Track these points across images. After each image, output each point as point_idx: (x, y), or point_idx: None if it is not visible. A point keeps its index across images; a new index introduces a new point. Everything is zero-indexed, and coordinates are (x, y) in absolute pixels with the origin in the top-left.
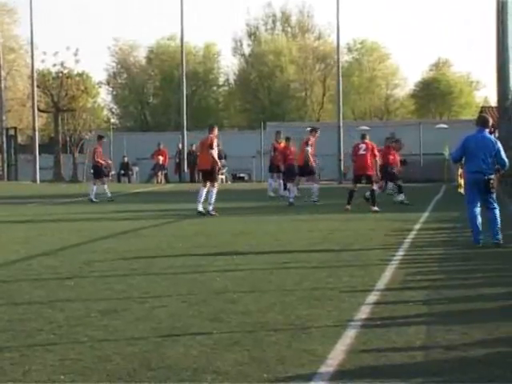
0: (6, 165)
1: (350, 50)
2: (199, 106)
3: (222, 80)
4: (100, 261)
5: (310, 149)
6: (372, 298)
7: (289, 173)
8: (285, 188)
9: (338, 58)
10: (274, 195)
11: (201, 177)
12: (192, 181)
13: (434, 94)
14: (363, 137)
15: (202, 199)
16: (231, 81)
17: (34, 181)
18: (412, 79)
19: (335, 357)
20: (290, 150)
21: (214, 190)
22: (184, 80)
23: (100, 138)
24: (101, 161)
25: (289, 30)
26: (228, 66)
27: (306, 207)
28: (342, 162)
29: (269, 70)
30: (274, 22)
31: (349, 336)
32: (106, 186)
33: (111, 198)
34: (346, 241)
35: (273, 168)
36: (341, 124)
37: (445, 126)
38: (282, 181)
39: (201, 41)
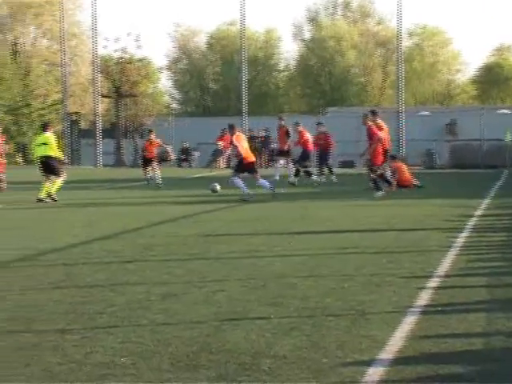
0: (69, 150)
1: (410, 35)
2: (259, 91)
3: (282, 65)
4: (160, 245)
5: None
6: (432, 283)
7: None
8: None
9: (400, 44)
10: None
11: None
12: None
13: (496, 79)
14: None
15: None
16: (291, 66)
17: (96, 165)
18: (474, 64)
19: (395, 343)
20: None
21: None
22: (245, 65)
23: (150, 131)
24: (148, 153)
25: (349, 15)
26: (288, 51)
27: (363, 193)
28: (403, 148)
29: (329, 56)
30: (334, 7)
31: (408, 322)
32: (158, 173)
33: (159, 185)
34: (405, 226)
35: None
36: (402, 109)
37: (507, 111)
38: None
39: (261, 26)
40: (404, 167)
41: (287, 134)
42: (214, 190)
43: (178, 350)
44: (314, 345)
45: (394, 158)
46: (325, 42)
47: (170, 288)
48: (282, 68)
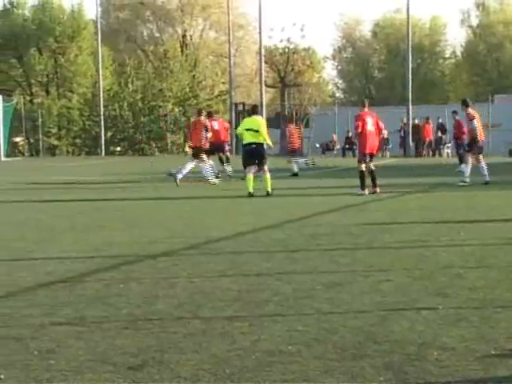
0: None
1: None
2: (425, 79)
3: (448, 52)
4: (325, 234)
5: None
6: None
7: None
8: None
9: None
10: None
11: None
12: (418, 155)
13: None
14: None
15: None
16: (458, 53)
17: None
18: None
19: None
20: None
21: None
22: (410, 53)
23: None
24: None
25: None
26: (455, 38)
27: None
28: None
29: (497, 42)
30: None
31: None
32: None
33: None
34: None
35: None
36: None
37: None
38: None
39: (427, 13)
40: None
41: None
42: (170, 174)
43: (343, 338)
44: (483, 336)
45: None
46: (493, 28)
47: (335, 277)
48: (448, 55)
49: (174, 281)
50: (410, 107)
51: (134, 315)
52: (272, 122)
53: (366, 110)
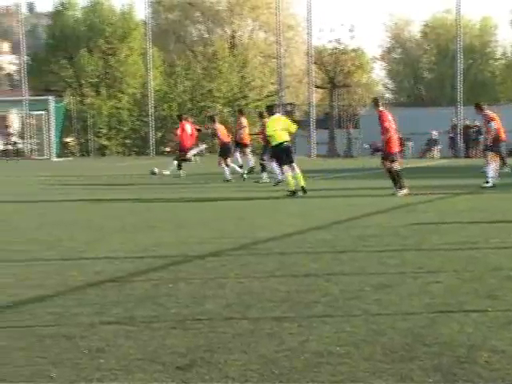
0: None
1: None
2: (475, 80)
3: (499, 53)
4: (373, 235)
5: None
6: None
7: None
8: None
9: None
10: None
11: None
12: (467, 156)
13: None
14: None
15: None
16: (509, 54)
17: (310, 156)
18: None
19: None
20: None
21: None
22: (460, 54)
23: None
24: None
25: None
26: (505, 38)
27: None
28: None
29: None
30: None
31: None
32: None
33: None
34: None
35: None
36: None
37: None
38: None
39: (477, 14)
40: None
41: None
42: (153, 172)
43: (391, 340)
44: None
45: None
46: None
47: (384, 278)
48: (498, 56)
49: (223, 281)
50: (461, 108)
51: (183, 315)
52: (321, 123)
53: (382, 108)
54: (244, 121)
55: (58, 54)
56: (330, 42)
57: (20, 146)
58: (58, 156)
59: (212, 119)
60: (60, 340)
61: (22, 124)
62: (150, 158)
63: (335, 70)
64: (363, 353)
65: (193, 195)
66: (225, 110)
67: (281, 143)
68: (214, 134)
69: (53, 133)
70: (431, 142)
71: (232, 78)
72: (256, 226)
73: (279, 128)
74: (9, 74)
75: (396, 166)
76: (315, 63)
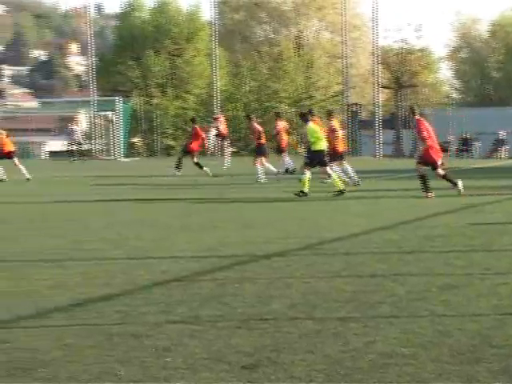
0: (349, 140)
1: None
2: None
3: None
4: (440, 236)
5: None
6: None
7: None
8: None
9: None
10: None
11: None
12: None
13: None
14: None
15: None
16: None
17: (376, 156)
18: None
19: None
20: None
21: None
22: None
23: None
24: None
25: None
26: None
27: None
28: None
29: None
30: None
31: None
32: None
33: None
34: None
35: None
36: None
37: None
38: None
39: None
40: None
41: None
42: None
43: (458, 342)
44: None
45: None
46: None
47: (450, 279)
48: None
49: (289, 281)
50: None
51: (249, 315)
52: (386, 124)
53: (418, 116)
54: (282, 124)
55: (125, 55)
56: (397, 41)
57: (85, 146)
58: (126, 156)
59: (249, 118)
60: (127, 338)
61: (90, 124)
62: (215, 159)
63: (401, 70)
64: (430, 354)
65: (257, 195)
66: (292, 110)
67: (321, 150)
68: (251, 134)
69: (120, 133)
70: (499, 142)
71: (297, 78)
72: (321, 226)
73: (319, 135)
74: (77, 75)
75: (440, 172)
76: (383, 63)
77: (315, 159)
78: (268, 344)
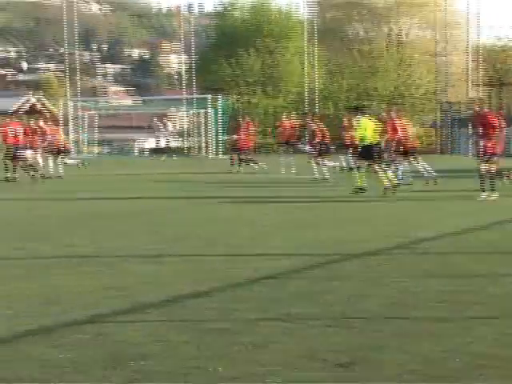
0: (441, 138)
1: None
2: None
3: None
4: None
5: None
6: None
7: None
8: None
9: None
10: None
11: None
12: None
13: None
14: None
15: None
16: None
17: (466, 155)
18: None
19: None
20: None
21: None
22: None
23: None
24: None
25: None
26: None
27: None
28: None
29: None
30: None
31: None
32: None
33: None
34: None
35: None
36: None
37: None
38: None
39: None
40: None
41: None
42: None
43: None
44: None
45: None
46: None
47: None
48: None
49: (382, 280)
50: None
51: (342, 313)
52: None
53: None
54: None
55: (221, 54)
56: (496, 38)
57: (173, 143)
58: (218, 154)
59: (307, 116)
60: (222, 335)
61: (189, 122)
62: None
63: (500, 68)
64: None
65: (346, 194)
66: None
67: (370, 145)
68: (313, 132)
69: (219, 131)
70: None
71: (393, 76)
72: (415, 225)
73: (368, 129)
74: (176, 74)
75: (492, 167)
76: (484, 61)
77: (364, 154)
78: (362, 342)
